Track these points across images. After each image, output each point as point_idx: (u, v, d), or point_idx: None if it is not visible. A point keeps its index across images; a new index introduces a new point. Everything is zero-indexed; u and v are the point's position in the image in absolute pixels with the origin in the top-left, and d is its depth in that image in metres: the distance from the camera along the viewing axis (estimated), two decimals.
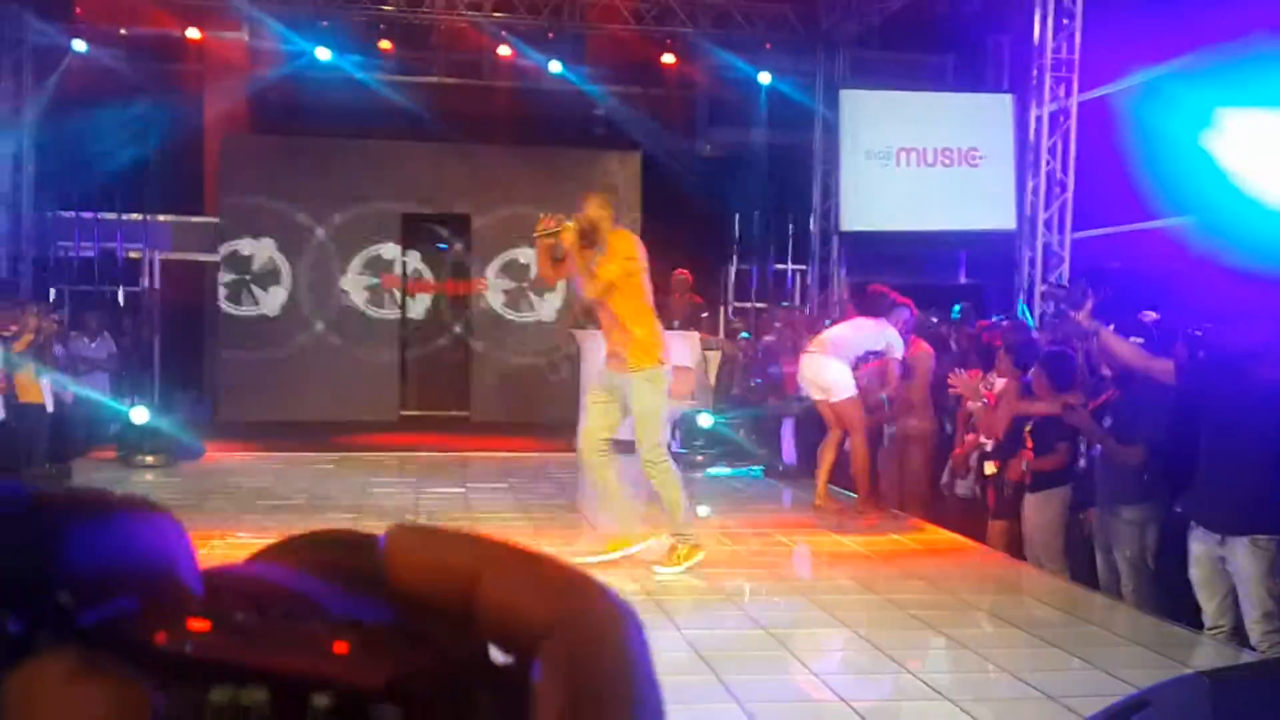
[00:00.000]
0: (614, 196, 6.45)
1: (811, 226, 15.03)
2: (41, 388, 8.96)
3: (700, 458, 10.80)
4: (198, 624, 0.33)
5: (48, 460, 9.03)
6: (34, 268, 13.48)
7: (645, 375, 6.20)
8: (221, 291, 14.35)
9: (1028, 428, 6.70)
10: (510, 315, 14.92)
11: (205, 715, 0.31)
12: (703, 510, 8.65)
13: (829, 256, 14.74)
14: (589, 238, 6.04)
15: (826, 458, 8.29)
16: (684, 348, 12.02)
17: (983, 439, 7.42)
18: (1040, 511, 6.56)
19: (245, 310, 14.39)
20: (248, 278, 14.40)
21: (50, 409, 9.13)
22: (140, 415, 10.02)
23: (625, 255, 6.05)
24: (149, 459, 9.91)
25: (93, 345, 10.92)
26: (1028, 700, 4.26)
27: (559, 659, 0.35)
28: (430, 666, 0.33)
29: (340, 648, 0.33)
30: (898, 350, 8.13)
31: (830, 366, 8.08)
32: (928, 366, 8.47)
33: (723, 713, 3.95)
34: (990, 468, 7.17)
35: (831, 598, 5.73)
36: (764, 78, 14.70)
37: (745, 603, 5.83)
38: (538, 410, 14.50)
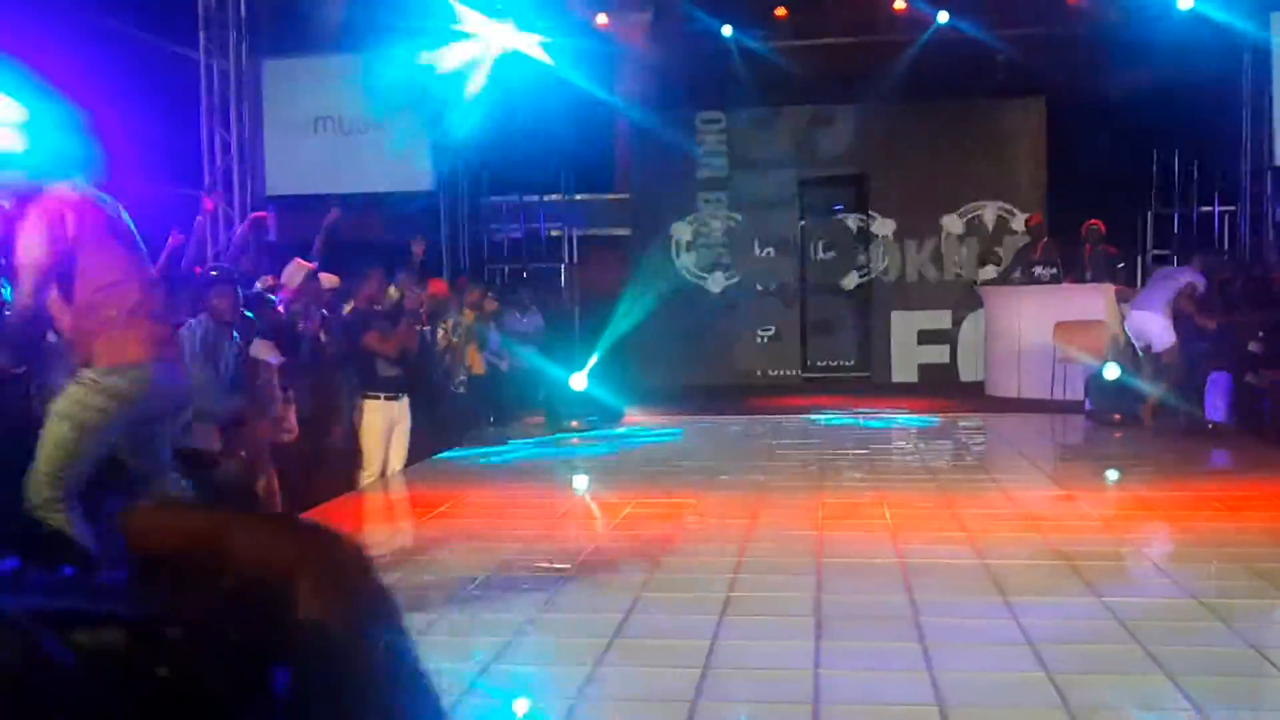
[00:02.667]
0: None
1: (1240, 164, 13.79)
2: (481, 360, 9.87)
3: (1117, 416, 10.26)
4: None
5: (489, 424, 9.94)
6: (471, 251, 14.78)
7: (75, 379, 4.50)
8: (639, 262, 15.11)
9: None
10: (910, 274, 14.74)
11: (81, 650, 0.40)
12: (1111, 475, 8.24)
13: (1262, 195, 13.47)
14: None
15: None
16: (1098, 301, 11.45)
17: None
18: None
19: (660, 280, 15.07)
20: (662, 249, 15.06)
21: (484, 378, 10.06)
22: (579, 382, 10.86)
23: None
24: (574, 423, 10.67)
25: (523, 320, 11.84)
26: None
27: (314, 588, 0.45)
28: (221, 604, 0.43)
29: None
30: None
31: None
32: None
33: (1150, 685, 3.80)
34: None
35: (1274, 565, 5.32)
36: (1184, 4, 13.58)
37: (1173, 569, 5.53)
38: (940, 370, 14.29)
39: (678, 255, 15.06)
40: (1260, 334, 9.59)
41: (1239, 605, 4.71)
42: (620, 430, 10.76)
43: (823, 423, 11.08)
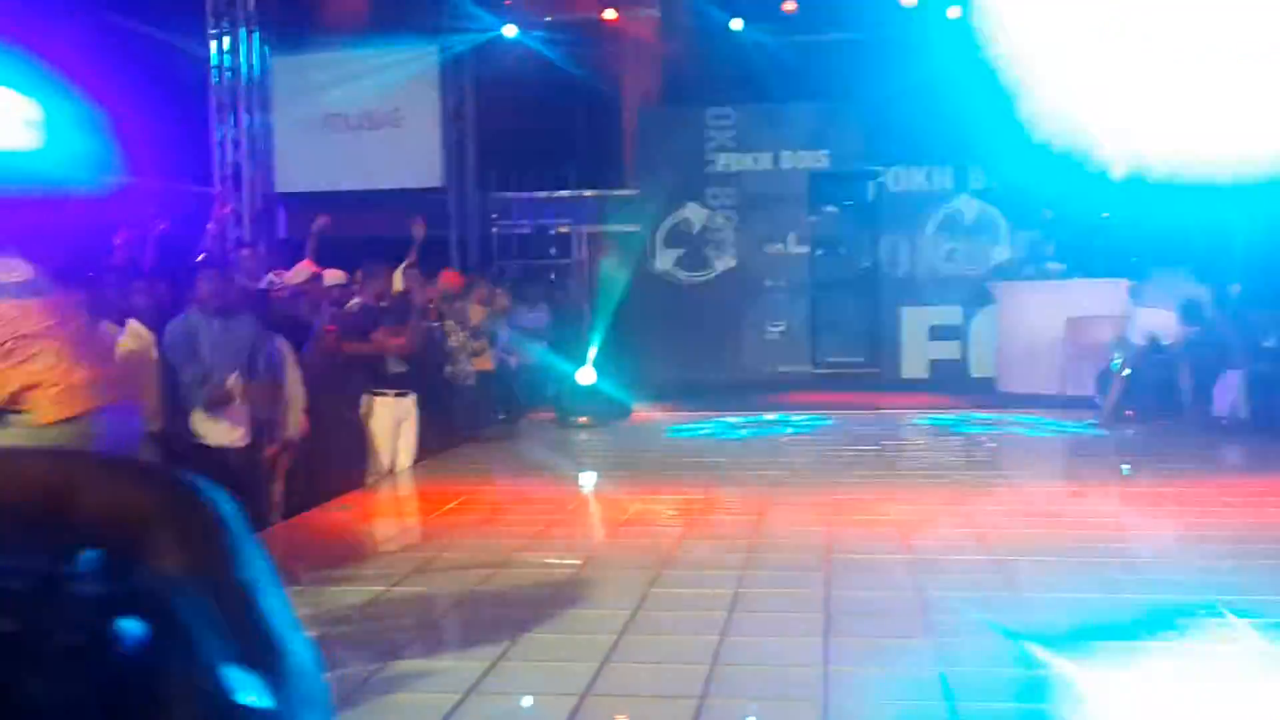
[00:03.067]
0: None
1: None
2: (490, 356, 9.85)
3: (1130, 412, 10.20)
4: None
5: (500, 420, 9.92)
6: (479, 246, 14.78)
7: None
8: (649, 258, 15.09)
9: None
10: (921, 270, 14.68)
11: None
12: (1125, 470, 8.21)
13: None
14: None
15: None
16: (1110, 296, 11.38)
17: None
18: None
19: (670, 274, 15.04)
20: (669, 244, 15.03)
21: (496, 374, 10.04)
22: (587, 376, 10.84)
23: None
24: (582, 419, 10.64)
25: (532, 315, 11.82)
26: None
27: (171, 539, 0.43)
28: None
29: None
30: None
31: None
32: None
33: (1164, 680, 3.77)
34: None
35: (1273, 562, 5.29)
36: None
37: (1186, 565, 5.47)
38: (951, 366, 14.22)
39: (690, 250, 15.02)
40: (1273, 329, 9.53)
41: (1255, 601, 4.67)
42: (629, 426, 10.72)
43: (832, 417, 11.03)
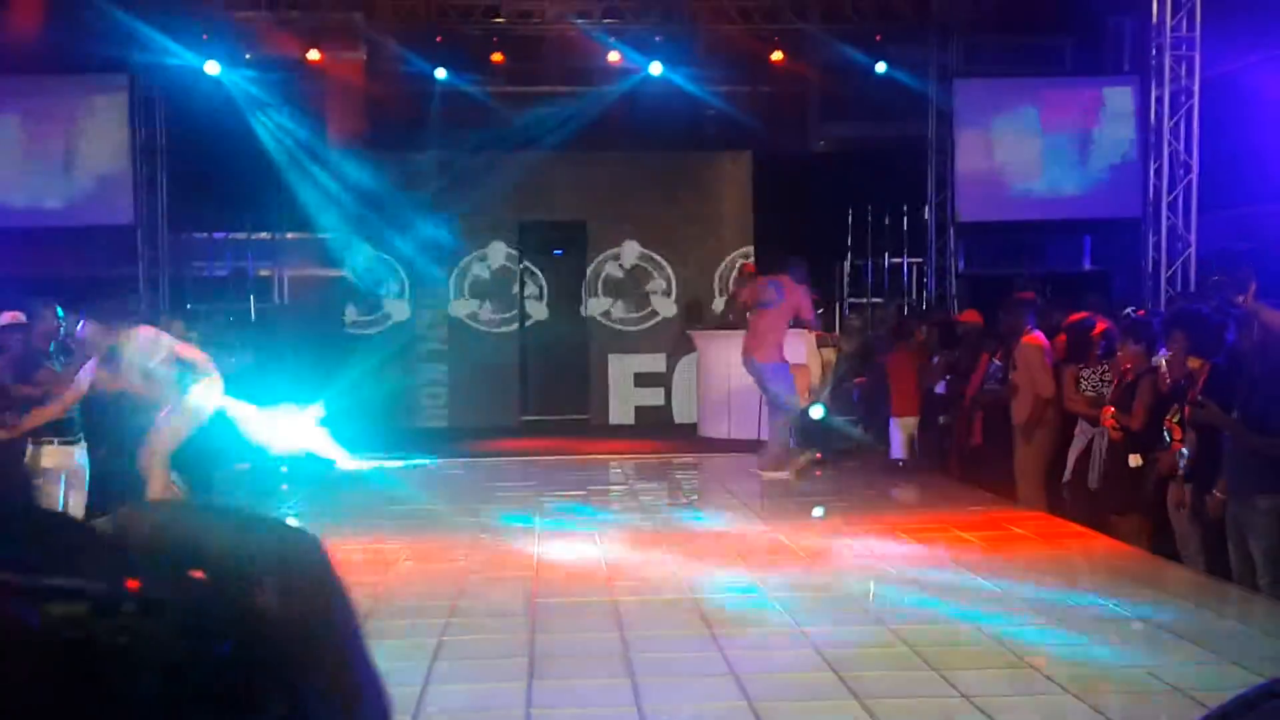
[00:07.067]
0: None
1: (927, 218, 14.85)
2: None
3: (818, 455, 10.76)
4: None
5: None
6: (171, 288, 14.02)
7: None
8: (349, 305, 14.77)
9: (1174, 418, 6.56)
10: (626, 318, 15.04)
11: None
12: (816, 512, 8.65)
13: (946, 248, 14.56)
14: None
15: None
16: (799, 346, 12.00)
17: (1108, 430, 7.30)
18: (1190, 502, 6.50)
19: (369, 321, 14.78)
20: (373, 290, 14.78)
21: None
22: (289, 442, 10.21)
23: None
24: (285, 469, 10.23)
25: (231, 361, 11.29)
26: (1155, 693, 4.20)
27: (276, 584, 0.50)
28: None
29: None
30: None
31: None
32: (1034, 359, 8.35)
33: (843, 710, 3.97)
34: (1135, 460, 7.01)
35: (953, 593, 5.70)
36: (877, 68, 14.55)
37: (865, 598, 5.82)
38: (656, 412, 14.61)
39: (393, 297, 14.82)
40: (946, 377, 10.28)
41: (924, 630, 5.00)
42: (336, 475, 10.41)
43: (540, 464, 11.09)
